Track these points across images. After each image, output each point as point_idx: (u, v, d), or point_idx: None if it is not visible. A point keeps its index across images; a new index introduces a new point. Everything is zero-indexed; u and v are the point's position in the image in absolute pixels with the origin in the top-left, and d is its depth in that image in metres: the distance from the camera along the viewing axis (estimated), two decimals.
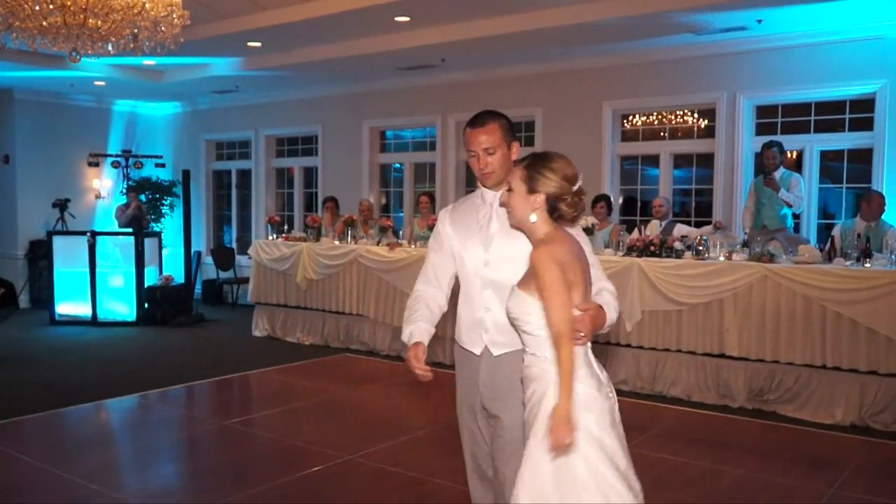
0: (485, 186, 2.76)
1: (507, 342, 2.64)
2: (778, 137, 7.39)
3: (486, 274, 2.69)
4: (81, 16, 5.47)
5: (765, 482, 4.56)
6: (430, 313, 2.84)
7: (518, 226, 2.49)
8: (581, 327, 2.37)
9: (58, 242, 10.29)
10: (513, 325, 2.48)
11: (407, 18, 7.47)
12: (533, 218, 2.41)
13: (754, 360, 5.89)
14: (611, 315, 2.57)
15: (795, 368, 5.73)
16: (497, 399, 2.67)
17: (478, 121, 2.70)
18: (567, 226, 2.49)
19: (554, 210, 2.41)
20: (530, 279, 2.37)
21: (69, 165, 11.74)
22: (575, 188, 2.42)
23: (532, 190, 2.40)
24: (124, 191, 11.63)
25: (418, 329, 2.78)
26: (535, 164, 2.41)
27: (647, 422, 5.66)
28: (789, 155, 7.62)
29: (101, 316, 10.05)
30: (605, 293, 2.62)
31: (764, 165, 7.03)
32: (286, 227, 9.66)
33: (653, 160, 8.65)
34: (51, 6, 5.37)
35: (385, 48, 8.23)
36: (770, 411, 5.85)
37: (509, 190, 2.45)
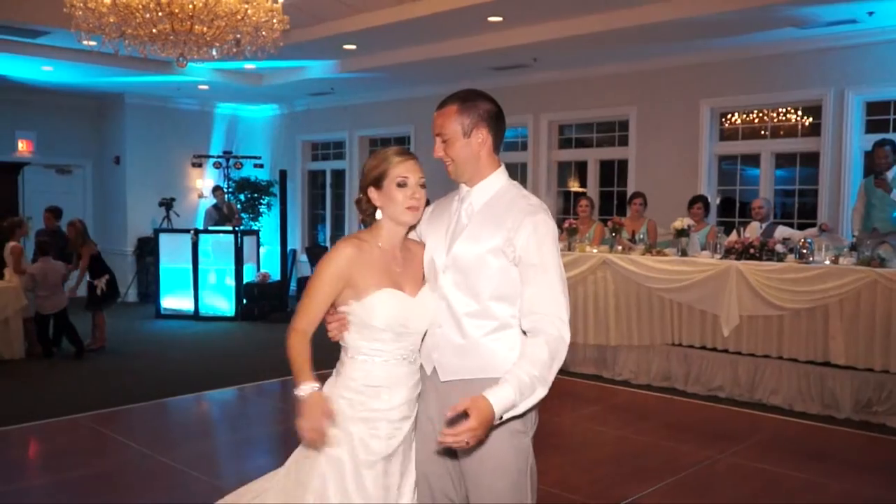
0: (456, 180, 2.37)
1: (455, 367, 2.24)
2: (891, 135, 7.00)
3: (441, 282, 2.27)
4: (188, 22, 5.71)
5: (870, 498, 4.33)
6: None
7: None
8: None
9: (163, 240, 10.75)
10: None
11: (500, 18, 7.46)
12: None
13: (862, 370, 5.61)
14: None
15: None
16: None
17: (441, 103, 2.34)
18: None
19: None
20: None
21: (174, 166, 12.28)
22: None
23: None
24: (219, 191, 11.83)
25: None
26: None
27: (744, 431, 5.48)
28: None
29: (202, 311, 10.46)
30: (523, 362, 2.11)
31: (875, 165, 6.67)
32: None
33: (753, 160, 8.35)
34: (160, 14, 5.62)
35: (477, 48, 8.25)
36: (878, 423, 5.55)
37: (423, 186, 2.36)
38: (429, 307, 2.25)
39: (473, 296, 2.22)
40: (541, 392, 2.10)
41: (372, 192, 2.29)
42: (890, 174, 6.54)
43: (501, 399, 2.02)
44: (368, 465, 2.23)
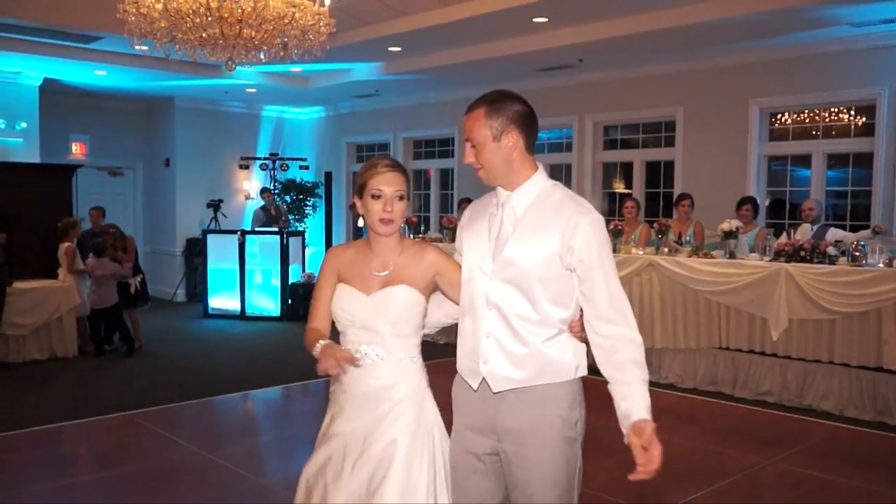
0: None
1: (510, 377, 2.17)
2: None
3: (490, 289, 2.19)
4: (237, 27, 5.80)
5: None
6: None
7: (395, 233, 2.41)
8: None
9: (211, 241, 10.94)
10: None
11: (545, 19, 7.43)
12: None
13: None
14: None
15: None
16: (512, 440, 2.19)
17: (470, 106, 2.22)
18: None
19: None
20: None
21: (222, 168, 12.49)
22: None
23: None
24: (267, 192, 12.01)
25: None
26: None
27: (794, 437, 5.36)
28: None
29: (248, 311, 10.61)
30: (628, 367, 2.13)
31: None
32: (423, 228, 9.84)
33: (804, 160, 8.18)
34: (209, 18, 5.73)
35: (523, 49, 8.22)
36: None
37: (402, 199, 2.35)
38: (381, 307, 2.31)
39: (531, 302, 2.15)
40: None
41: (356, 200, 2.38)
42: None
43: (645, 406, 2.08)
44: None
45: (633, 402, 2.07)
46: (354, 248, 2.45)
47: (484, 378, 2.20)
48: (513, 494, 2.22)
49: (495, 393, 2.19)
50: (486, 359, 2.19)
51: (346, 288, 2.38)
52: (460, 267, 2.31)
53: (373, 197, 2.29)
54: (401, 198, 2.31)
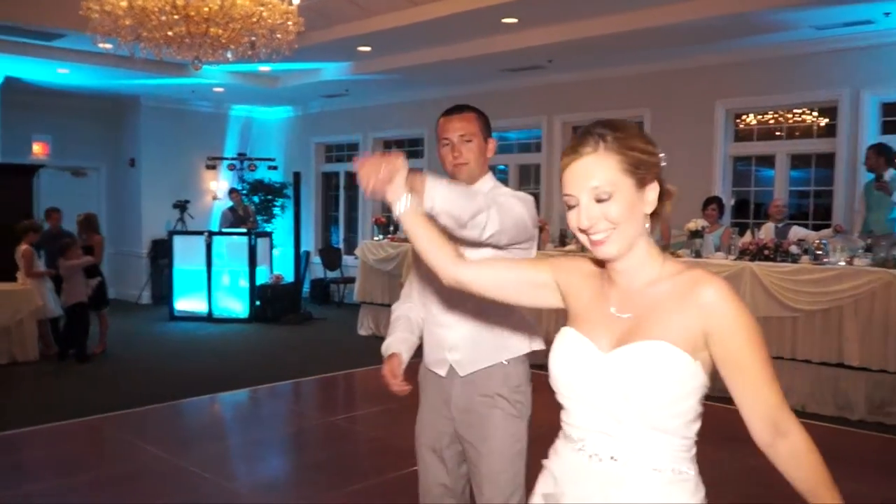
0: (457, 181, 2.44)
1: (476, 359, 2.43)
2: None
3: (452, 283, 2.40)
4: (204, 25, 5.75)
5: (884, 499, 4.30)
6: (410, 323, 2.60)
7: (624, 252, 1.45)
8: None
9: (178, 242, 10.80)
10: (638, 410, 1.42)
11: (514, 20, 7.45)
12: (648, 228, 1.48)
13: (876, 371, 5.57)
14: None
15: None
16: (471, 424, 2.43)
17: (455, 110, 2.49)
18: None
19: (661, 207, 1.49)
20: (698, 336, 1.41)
21: (189, 168, 12.35)
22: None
23: (643, 181, 1.45)
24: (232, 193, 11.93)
25: (395, 340, 2.55)
26: (628, 138, 1.47)
27: None
28: None
29: (216, 313, 10.50)
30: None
31: (867, 168, 6.73)
32: (392, 228, 9.81)
33: (768, 161, 8.31)
34: (176, 17, 5.66)
35: (492, 50, 8.25)
36: (892, 425, 5.51)
37: (601, 200, 1.41)
38: (618, 375, 1.42)
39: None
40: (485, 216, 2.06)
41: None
42: (888, 175, 6.52)
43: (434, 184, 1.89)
44: None
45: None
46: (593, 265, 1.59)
47: (451, 365, 2.45)
48: (471, 473, 2.47)
49: (462, 377, 2.44)
50: (451, 347, 2.45)
51: (573, 336, 1.52)
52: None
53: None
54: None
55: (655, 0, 6.79)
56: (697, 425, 1.51)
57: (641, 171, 1.44)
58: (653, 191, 1.46)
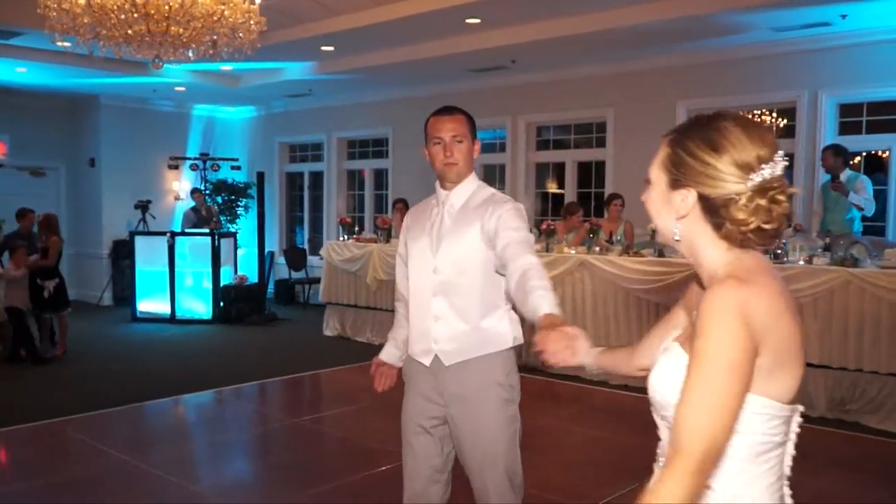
0: (445, 181, 2.61)
1: (460, 350, 2.54)
2: (863, 137, 7.13)
3: (434, 280, 2.56)
4: (164, 24, 5.67)
5: (844, 495, 4.39)
6: (403, 330, 2.78)
7: (669, 244, 1.51)
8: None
9: (139, 242, 10.66)
10: (660, 413, 1.46)
11: (478, 20, 7.47)
12: (676, 232, 1.43)
13: (836, 369, 5.68)
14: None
15: (880, 377, 5.50)
16: (467, 411, 2.54)
17: (446, 110, 2.61)
18: (752, 248, 1.39)
19: (716, 219, 1.36)
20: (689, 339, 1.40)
21: (150, 168, 12.17)
22: (753, 181, 1.31)
23: (676, 182, 1.40)
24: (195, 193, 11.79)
25: (385, 350, 2.82)
26: (689, 136, 1.39)
27: None
28: (876, 155, 7.33)
29: (178, 314, 10.37)
30: (534, 282, 2.19)
31: (824, 169, 6.90)
32: (357, 229, 9.78)
33: None
34: (135, 15, 5.57)
35: (456, 50, 8.26)
36: (852, 422, 5.63)
37: (647, 181, 1.47)
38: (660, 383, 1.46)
39: (471, 289, 2.53)
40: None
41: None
42: (844, 177, 6.67)
43: (554, 306, 2.09)
44: None
45: (542, 303, 2.10)
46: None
47: (436, 355, 2.56)
48: (461, 451, 2.58)
49: (456, 364, 2.54)
50: (437, 339, 2.55)
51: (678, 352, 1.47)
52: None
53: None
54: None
55: (617, 2, 6.87)
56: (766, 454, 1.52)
57: (678, 173, 1.39)
58: (682, 197, 1.38)
